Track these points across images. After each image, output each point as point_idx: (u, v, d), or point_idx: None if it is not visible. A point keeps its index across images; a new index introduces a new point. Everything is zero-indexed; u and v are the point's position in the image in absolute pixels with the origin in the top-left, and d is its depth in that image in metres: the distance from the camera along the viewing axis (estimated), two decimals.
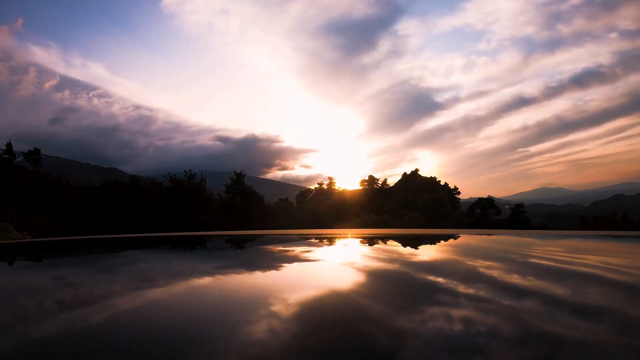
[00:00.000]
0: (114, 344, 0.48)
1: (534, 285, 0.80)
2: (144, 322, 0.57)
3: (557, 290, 0.77)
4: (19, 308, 0.66)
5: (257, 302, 0.68)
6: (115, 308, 0.65)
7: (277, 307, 0.63)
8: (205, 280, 0.91)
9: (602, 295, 0.74)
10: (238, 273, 1.04)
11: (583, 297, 0.72)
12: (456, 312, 0.58)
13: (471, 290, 0.74)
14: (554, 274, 0.96)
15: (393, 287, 0.81)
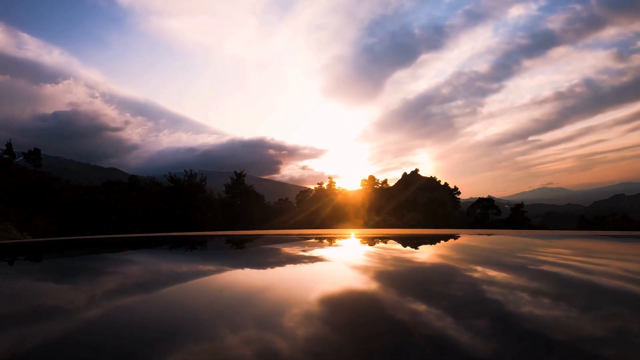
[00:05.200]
0: (113, 344, 0.48)
1: (557, 321, 0.53)
2: (143, 322, 0.57)
3: (593, 329, 0.51)
4: (19, 308, 0.66)
5: (257, 303, 0.68)
6: (114, 308, 0.66)
7: (275, 309, 0.63)
8: (205, 280, 0.91)
9: None
10: (237, 273, 1.04)
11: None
12: None
13: (467, 340, 0.46)
14: (578, 293, 0.73)
15: (366, 328, 0.54)
